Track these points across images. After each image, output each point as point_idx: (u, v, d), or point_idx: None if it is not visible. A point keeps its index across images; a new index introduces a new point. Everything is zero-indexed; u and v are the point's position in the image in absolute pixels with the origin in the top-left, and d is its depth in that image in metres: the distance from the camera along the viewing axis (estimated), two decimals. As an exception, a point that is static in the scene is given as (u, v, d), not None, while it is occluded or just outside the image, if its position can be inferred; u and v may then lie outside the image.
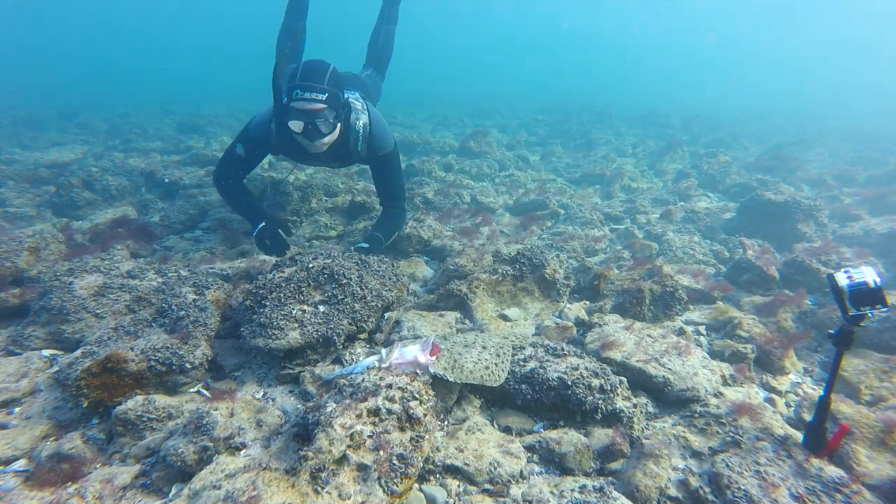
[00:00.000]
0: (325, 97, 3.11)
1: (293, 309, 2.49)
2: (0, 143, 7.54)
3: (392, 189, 3.85)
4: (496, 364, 2.29)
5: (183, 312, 2.49)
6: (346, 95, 3.46)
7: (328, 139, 3.29)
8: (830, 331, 1.89)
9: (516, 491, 1.86)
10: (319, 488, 1.60)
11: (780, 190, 5.13)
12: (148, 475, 1.86)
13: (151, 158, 6.85)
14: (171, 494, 1.76)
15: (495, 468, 1.92)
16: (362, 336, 2.71)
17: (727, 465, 1.91)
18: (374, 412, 1.80)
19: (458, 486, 1.88)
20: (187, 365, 2.28)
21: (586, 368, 2.26)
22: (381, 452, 1.70)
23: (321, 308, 2.55)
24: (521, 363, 2.35)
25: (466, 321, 3.00)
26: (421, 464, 1.78)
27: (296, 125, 3.15)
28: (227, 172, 3.75)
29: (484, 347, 2.39)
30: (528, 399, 2.23)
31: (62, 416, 2.14)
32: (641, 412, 2.31)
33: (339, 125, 3.33)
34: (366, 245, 3.43)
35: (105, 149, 7.58)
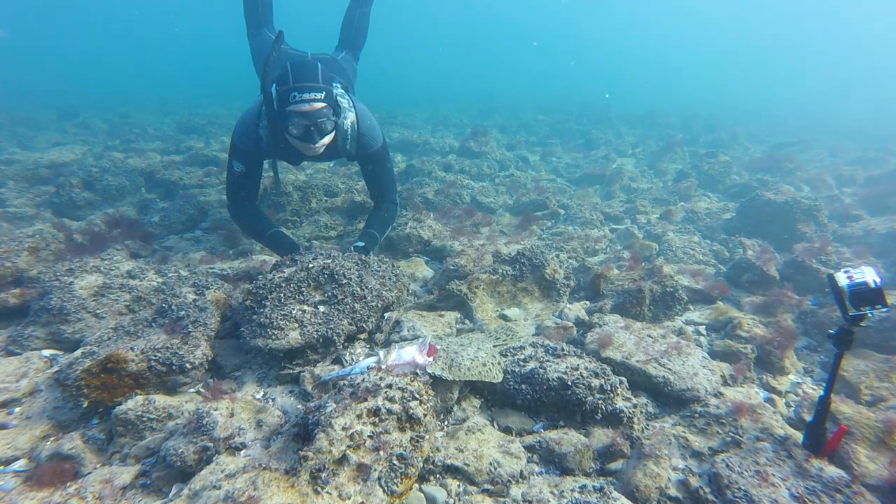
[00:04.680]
0: (323, 95, 3.03)
1: (293, 309, 2.49)
2: (0, 143, 7.54)
3: (383, 184, 3.81)
4: (493, 362, 2.30)
5: (183, 312, 2.49)
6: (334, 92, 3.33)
7: (327, 139, 3.21)
8: (830, 331, 1.89)
9: (516, 491, 1.86)
10: (319, 488, 1.60)
11: (780, 190, 5.12)
12: (148, 475, 1.87)
13: (151, 158, 6.85)
14: (171, 494, 1.76)
15: (495, 468, 1.92)
16: (362, 336, 2.71)
17: (727, 466, 1.91)
18: (374, 412, 1.79)
19: (458, 486, 1.88)
20: (187, 365, 2.28)
21: (586, 368, 2.26)
22: (381, 452, 1.70)
23: (321, 308, 2.55)
24: (521, 363, 2.35)
25: (466, 321, 3.00)
26: (421, 464, 1.78)
27: (297, 128, 3.06)
28: (238, 197, 3.55)
29: (479, 348, 2.39)
30: (528, 399, 2.23)
31: (62, 416, 2.14)
32: (641, 412, 2.31)
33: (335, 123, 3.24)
34: (362, 244, 3.42)
35: (105, 149, 7.58)
